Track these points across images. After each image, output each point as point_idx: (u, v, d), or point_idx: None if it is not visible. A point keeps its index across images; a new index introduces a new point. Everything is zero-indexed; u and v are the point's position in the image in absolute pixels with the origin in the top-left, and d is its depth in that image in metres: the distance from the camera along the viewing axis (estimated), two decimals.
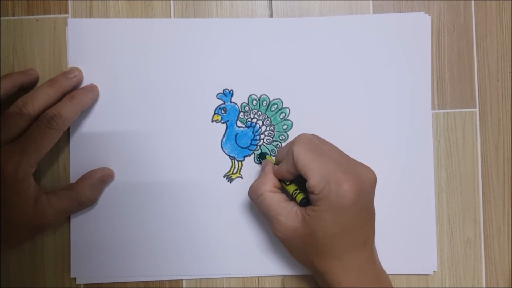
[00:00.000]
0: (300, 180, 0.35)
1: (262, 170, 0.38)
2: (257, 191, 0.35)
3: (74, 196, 0.37)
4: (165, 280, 0.40)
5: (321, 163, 0.33)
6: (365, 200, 0.33)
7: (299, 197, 0.35)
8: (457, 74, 0.41)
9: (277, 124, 0.40)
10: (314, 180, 0.33)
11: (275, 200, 0.35)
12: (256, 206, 0.36)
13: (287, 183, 0.36)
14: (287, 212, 0.34)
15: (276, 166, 0.37)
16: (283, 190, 0.36)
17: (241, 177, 0.40)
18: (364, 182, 0.33)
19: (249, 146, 0.40)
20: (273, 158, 0.40)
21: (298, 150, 0.34)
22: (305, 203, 0.34)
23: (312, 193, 0.33)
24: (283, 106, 0.40)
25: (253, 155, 0.40)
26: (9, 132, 0.34)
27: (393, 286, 0.35)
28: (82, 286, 0.39)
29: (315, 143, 0.35)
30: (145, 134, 0.39)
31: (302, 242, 0.34)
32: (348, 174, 0.32)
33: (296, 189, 0.35)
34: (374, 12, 0.41)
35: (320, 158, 0.33)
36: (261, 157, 0.40)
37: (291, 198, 0.35)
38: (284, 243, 0.35)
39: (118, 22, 0.40)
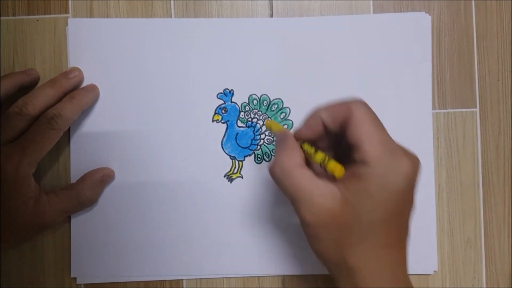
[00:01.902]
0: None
1: (282, 144, 0.31)
2: (283, 167, 0.29)
3: (74, 196, 0.37)
4: (165, 280, 0.40)
5: (380, 130, 0.28)
6: (413, 188, 0.29)
7: (332, 164, 0.28)
8: (458, 74, 0.41)
9: None
10: (370, 145, 0.27)
11: (307, 176, 0.28)
12: (280, 186, 0.30)
13: (315, 151, 0.30)
14: (321, 191, 0.28)
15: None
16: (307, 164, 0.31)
17: (242, 177, 0.40)
18: (417, 166, 0.29)
19: (249, 146, 0.40)
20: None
21: (359, 109, 0.28)
22: (340, 170, 0.28)
23: (363, 160, 0.27)
24: (284, 106, 0.40)
25: (253, 155, 0.40)
26: (9, 132, 0.34)
27: None
28: (82, 286, 0.39)
29: (373, 111, 0.30)
30: (145, 134, 0.39)
31: (337, 229, 0.28)
32: (407, 151, 0.28)
33: (325, 157, 0.29)
34: (374, 12, 0.41)
35: (379, 125, 0.28)
36: (271, 128, 0.35)
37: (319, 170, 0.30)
38: (314, 229, 0.28)
39: (118, 22, 0.40)
